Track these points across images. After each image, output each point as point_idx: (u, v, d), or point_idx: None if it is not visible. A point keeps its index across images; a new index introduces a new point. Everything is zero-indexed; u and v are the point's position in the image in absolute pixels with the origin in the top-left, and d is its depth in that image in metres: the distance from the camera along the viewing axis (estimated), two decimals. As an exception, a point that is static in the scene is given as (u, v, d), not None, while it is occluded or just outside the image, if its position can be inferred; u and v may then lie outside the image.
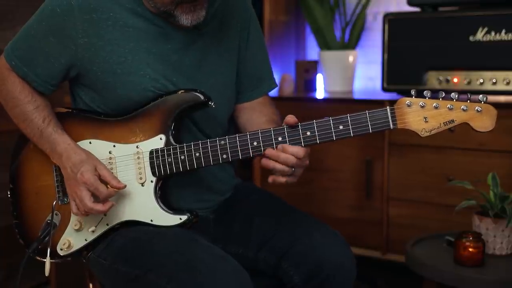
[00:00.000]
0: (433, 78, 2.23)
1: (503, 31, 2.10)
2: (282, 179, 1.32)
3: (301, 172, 1.34)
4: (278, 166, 1.30)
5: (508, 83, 2.11)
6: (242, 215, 1.52)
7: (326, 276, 1.36)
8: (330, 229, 1.44)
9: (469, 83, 2.16)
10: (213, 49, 1.47)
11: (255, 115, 1.55)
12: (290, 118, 1.30)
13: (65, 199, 1.45)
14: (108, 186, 1.35)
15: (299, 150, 1.29)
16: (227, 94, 1.52)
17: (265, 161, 1.32)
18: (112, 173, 1.38)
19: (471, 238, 1.76)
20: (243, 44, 1.53)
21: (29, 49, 1.41)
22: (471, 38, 2.15)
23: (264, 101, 1.59)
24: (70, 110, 1.48)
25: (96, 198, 1.35)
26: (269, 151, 1.31)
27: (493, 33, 2.12)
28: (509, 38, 2.09)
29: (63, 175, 1.41)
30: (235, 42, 1.51)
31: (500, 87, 2.12)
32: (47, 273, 1.42)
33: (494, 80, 2.13)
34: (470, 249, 1.75)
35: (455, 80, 2.19)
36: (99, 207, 1.34)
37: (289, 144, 1.30)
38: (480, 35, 2.14)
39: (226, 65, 1.50)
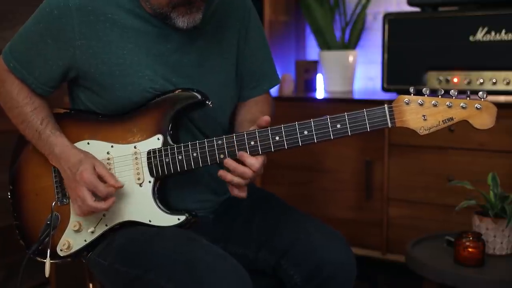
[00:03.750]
0: (433, 78, 2.23)
1: (503, 31, 2.10)
2: (238, 192, 1.35)
3: (255, 179, 1.36)
4: (236, 179, 1.33)
5: (508, 83, 2.11)
6: (242, 215, 1.52)
7: (326, 276, 1.36)
8: (330, 229, 1.43)
9: (469, 83, 2.16)
10: (213, 49, 1.46)
11: (243, 111, 1.56)
12: (263, 119, 1.32)
13: (64, 200, 1.45)
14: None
15: (255, 162, 1.31)
16: (227, 94, 1.51)
17: (223, 173, 1.34)
18: (110, 171, 1.38)
19: (471, 238, 1.76)
20: (242, 42, 1.53)
21: (27, 51, 1.40)
22: (471, 38, 2.15)
23: (259, 99, 1.59)
24: (68, 111, 1.48)
25: (97, 196, 1.35)
26: (228, 161, 1.32)
27: (493, 33, 2.11)
28: (509, 38, 2.09)
29: (63, 178, 1.41)
30: (234, 41, 1.51)
31: (500, 87, 2.12)
32: (47, 274, 1.42)
33: (494, 80, 2.12)
34: (470, 249, 1.75)
35: (455, 80, 2.19)
36: (101, 205, 1.34)
37: (286, 143, 1.30)
38: (480, 35, 2.13)
39: (226, 64, 1.49)
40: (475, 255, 1.75)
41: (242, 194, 1.36)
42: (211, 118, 1.48)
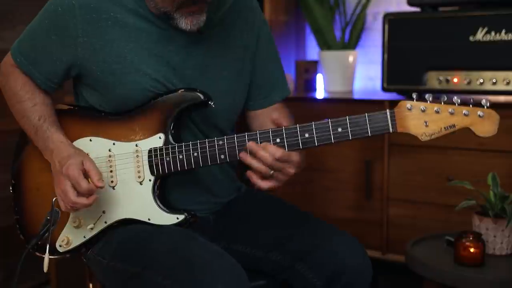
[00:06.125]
0: (433, 78, 2.23)
1: (503, 31, 2.10)
2: (261, 182, 1.31)
3: (284, 178, 1.33)
4: (255, 163, 1.29)
5: (508, 83, 2.11)
6: (249, 216, 1.52)
7: (345, 283, 1.36)
8: (348, 235, 1.43)
9: (469, 83, 2.16)
10: (217, 54, 1.46)
11: (267, 121, 1.55)
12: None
13: None
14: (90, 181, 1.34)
15: (276, 151, 1.28)
16: (229, 102, 1.51)
17: (243, 155, 1.30)
18: (98, 169, 1.36)
19: (471, 238, 1.76)
20: (253, 51, 1.53)
21: (33, 47, 1.43)
22: (471, 38, 2.15)
23: (277, 106, 1.59)
24: (71, 107, 1.50)
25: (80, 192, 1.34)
26: (251, 144, 1.30)
27: (493, 33, 2.11)
28: (509, 38, 2.09)
29: (52, 172, 1.41)
30: (241, 49, 1.51)
31: (500, 87, 2.12)
32: (45, 269, 1.43)
33: (494, 80, 2.12)
34: (470, 249, 1.76)
35: (455, 80, 2.19)
36: (83, 200, 1.33)
37: (287, 145, 1.30)
38: (480, 35, 2.13)
39: (230, 71, 1.49)
40: (475, 255, 1.76)
41: (262, 184, 1.31)
42: (213, 124, 1.48)
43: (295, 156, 1.32)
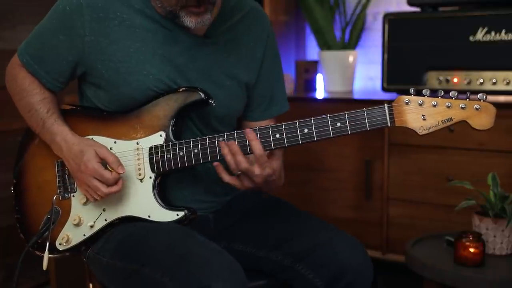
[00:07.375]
0: (433, 78, 2.23)
1: (503, 31, 2.10)
2: (224, 174, 1.35)
3: (249, 186, 1.35)
4: (229, 157, 1.32)
5: (508, 83, 2.11)
6: (249, 215, 1.53)
7: (346, 283, 1.36)
8: (348, 235, 1.43)
9: (469, 83, 2.16)
10: (222, 61, 1.47)
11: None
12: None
13: (66, 195, 1.47)
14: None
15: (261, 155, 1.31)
16: (230, 107, 1.52)
17: (223, 144, 1.33)
18: (113, 154, 1.39)
19: (471, 238, 1.76)
20: (258, 65, 1.54)
21: (40, 47, 1.45)
22: (471, 38, 2.15)
23: (271, 120, 1.61)
24: (74, 107, 1.52)
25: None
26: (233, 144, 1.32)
27: (493, 33, 2.12)
28: (509, 38, 2.09)
29: (68, 168, 1.43)
30: (247, 60, 1.52)
31: (500, 87, 2.12)
32: (45, 267, 1.44)
33: (494, 80, 2.12)
34: (470, 249, 1.75)
35: (455, 80, 2.19)
36: (113, 188, 1.37)
37: (286, 141, 1.31)
38: (480, 35, 2.14)
39: (233, 79, 1.50)
40: (475, 255, 1.76)
41: (225, 176, 1.35)
42: (213, 128, 1.49)
43: (271, 166, 1.34)
